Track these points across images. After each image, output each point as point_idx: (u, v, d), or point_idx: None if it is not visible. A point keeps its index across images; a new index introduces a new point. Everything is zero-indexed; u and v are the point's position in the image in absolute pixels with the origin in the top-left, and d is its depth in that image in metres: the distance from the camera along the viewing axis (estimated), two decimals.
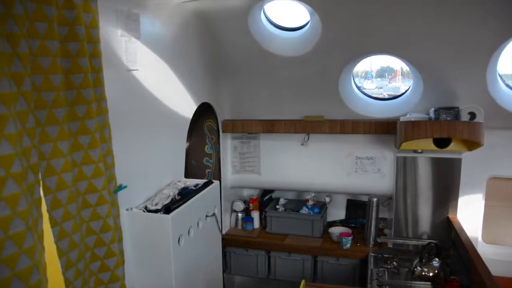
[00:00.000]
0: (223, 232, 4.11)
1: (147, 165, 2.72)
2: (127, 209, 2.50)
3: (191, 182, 3.11)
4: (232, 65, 3.76)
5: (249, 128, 4.05)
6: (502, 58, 3.41)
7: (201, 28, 3.39)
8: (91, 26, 1.91)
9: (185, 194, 2.85)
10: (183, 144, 3.32)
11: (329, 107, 3.81)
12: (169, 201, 2.68)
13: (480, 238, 3.93)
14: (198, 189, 2.98)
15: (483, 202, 3.87)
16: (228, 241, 4.07)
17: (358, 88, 4.03)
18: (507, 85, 3.69)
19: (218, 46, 3.60)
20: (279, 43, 3.60)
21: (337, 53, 3.44)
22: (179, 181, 3.04)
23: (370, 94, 4.11)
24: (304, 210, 4.08)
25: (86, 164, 1.94)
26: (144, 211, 2.54)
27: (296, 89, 3.78)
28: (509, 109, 3.50)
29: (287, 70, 3.64)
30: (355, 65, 3.74)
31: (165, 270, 2.56)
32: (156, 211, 2.55)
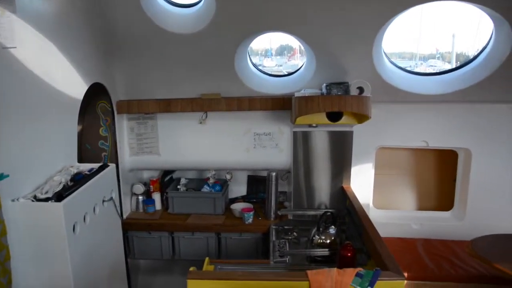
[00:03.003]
0: (124, 216, 3.99)
1: (33, 151, 2.51)
2: (12, 200, 2.31)
3: (85, 167, 2.96)
4: (124, 43, 3.59)
5: (145, 108, 3.93)
6: (386, 37, 3.63)
7: (89, 3, 3.19)
8: None
9: (79, 180, 2.71)
10: (75, 127, 3.11)
11: (226, 84, 3.81)
12: (60, 188, 2.53)
13: (371, 204, 4.22)
14: (92, 174, 2.85)
15: (373, 171, 4.15)
16: (130, 225, 3.96)
17: (254, 65, 4.07)
18: (392, 62, 3.95)
19: (109, 23, 3.42)
20: (173, 20, 3.50)
21: (231, 30, 3.43)
22: (72, 167, 2.88)
23: (270, 72, 4.17)
24: (206, 189, 4.08)
25: None
26: (33, 201, 2.37)
27: (192, 67, 3.73)
28: (393, 84, 3.76)
29: (182, 48, 3.57)
30: (250, 42, 3.76)
31: (60, 261, 2.43)
32: (46, 199, 2.40)
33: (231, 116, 3.94)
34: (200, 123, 3.99)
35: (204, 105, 3.88)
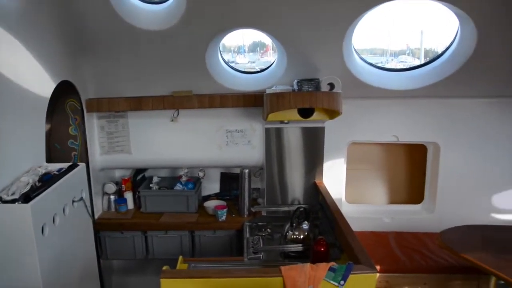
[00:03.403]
0: (95, 216, 3.92)
1: None
2: None
3: (54, 167, 2.90)
4: (94, 40, 3.53)
5: (116, 107, 3.87)
6: (357, 33, 3.67)
7: None
8: None
9: (47, 180, 2.65)
10: (42, 126, 3.03)
11: (197, 81, 3.79)
12: (28, 189, 2.47)
13: (344, 199, 4.27)
14: (61, 174, 2.79)
15: (345, 166, 4.20)
16: (102, 225, 3.91)
17: (226, 62, 4.05)
18: (362, 58, 4.00)
19: (77, 19, 3.35)
20: (142, 16, 3.45)
21: (202, 27, 3.40)
22: (40, 167, 2.81)
23: (243, 69, 4.17)
24: (178, 187, 4.06)
25: None
26: None
27: (162, 64, 3.68)
28: (364, 80, 3.80)
29: (152, 45, 3.52)
30: (222, 39, 3.75)
31: (29, 264, 2.37)
32: (13, 201, 2.33)
33: (203, 113, 3.92)
34: (172, 120, 3.96)
35: (176, 102, 3.85)
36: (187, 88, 3.84)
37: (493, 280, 2.93)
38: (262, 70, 4.14)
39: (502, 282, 2.81)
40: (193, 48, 3.55)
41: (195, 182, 4.14)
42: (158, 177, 4.18)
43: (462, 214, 4.05)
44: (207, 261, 3.18)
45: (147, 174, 4.43)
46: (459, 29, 3.63)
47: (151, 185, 4.10)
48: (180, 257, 2.95)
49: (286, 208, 3.88)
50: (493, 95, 4.00)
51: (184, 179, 4.10)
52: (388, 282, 3.59)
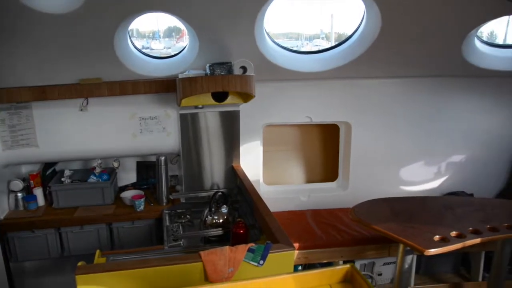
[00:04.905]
0: (1, 217, 3.67)
1: None
2: None
3: None
4: None
5: (16, 97, 3.58)
6: (273, 18, 3.69)
7: None
8: None
9: None
10: None
11: (107, 68, 3.62)
12: None
13: (261, 181, 4.33)
14: None
15: (261, 148, 4.26)
16: (9, 226, 3.65)
17: (136, 47, 3.91)
18: (274, 41, 4.04)
19: None
20: None
21: (109, 10, 3.22)
22: None
23: (158, 55, 4.06)
24: (92, 179, 3.89)
25: None
26: None
27: (67, 51, 3.46)
28: (276, 63, 3.85)
29: (55, 29, 3.28)
30: (130, 23, 3.59)
31: None
32: None
33: (115, 101, 3.77)
34: (81, 110, 3.76)
35: (84, 91, 3.66)
36: (96, 75, 3.66)
37: (401, 247, 3.13)
38: (174, 55, 4.05)
39: (409, 248, 3.01)
40: (100, 33, 3.37)
41: (110, 173, 4.00)
42: (70, 170, 3.98)
43: (373, 188, 4.29)
44: (126, 252, 3.07)
45: (57, 167, 4.20)
46: (365, 13, 3.77)
47: (62, 179, 3.89)
48: (97, 251, 2.84)
49: (205, 194, 3.87)
50: (398, 75, 4.24)
51: (98, 170, 3.94)
52: (307, 258, 3.72)
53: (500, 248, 3.53)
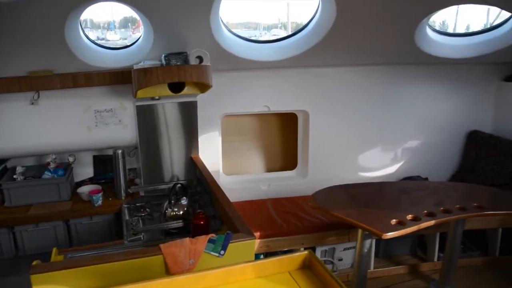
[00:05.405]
0: None
1: None
2: None
3: None
4: None
5: None
6: (232, 7, 3.66)
7: None
8: None
9: None
10: None
11: (58, 60, 3.50)
12: None
13: (221, 171, 4.33)
14: None
15: (220, 138, 4.25)
16: None
17: (88, 38, 3.80)
18: (230, 31, 4.01)
19: None
20: None
21: None
22: None
23: (114, 46, 3.96)
24: (47, 175, 3.77)
25: None
26: None
27: (14, 42, 3.30)
28: (233, 52, 3.84)
29: (1, 18, 3.15)
30: (81, 13, 3.49)
31: None
32: None
33: (68, 93, 3.65)
34: (32, 103, 3.62)
35: (34, 83, 3.52)
36: (47, 67, 3.54)
37: (360, 232, 3.19)
38: (128, 46, 3.96)
39: (367, 232, 3.08)
40: (49, 23, 3.24)
41: (66, 168, 3.89)
42: (23, 166, 3.83)
43: (332, 175, 4.36)
44: (85, 249, 3.00)
45: (9, 164, 4.03)
46: (320, 2, 3.80)
47: (14, 176, 3.74)
48: (54, 249, 2.76)
49: (164, 186, 3.82)
50: (353, 63, 4.31)
51: (52, 166, 3.81)
52: (268, 246, 3.75)
53: (453, 229, 3.67)
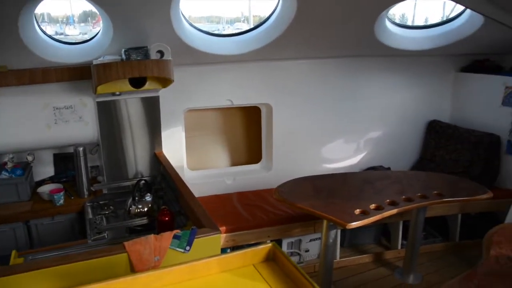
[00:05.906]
0: None
1: None
2: None
3: None
4: None
5: None
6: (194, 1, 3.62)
7: None
8: None
9: None
10: None
11: (12, 55, 3.38)
12: None
13: (185, 166, 4.30)
14: None
15: (183, 133, 4.21)
16: None
17: (45, 32, 3.69)
18: (191, 25, 3.97)
19: None
20: None
21: None
22: None
23: (74, 41, 3.86)
24: (4, 175, 3.64)
25: None
26: None
27: None
28: (195, 46, 3.80)
29: None
30: (35, 6, 3.37)
31: None
32: None
33: (24, 90, 3.52)
34: None
35: None
36: (0, 63, 3.41)
37: (325, 222, 3.24)
38: (87, 40, 3.87)
39: (332, 223, 3.12)
40: (2, 16, 3.12)
41: (24, 167, 3.77)
42: None
43: (296, 168, 4.40)
44: (47, 250, 2.93)
45: None
46: None
47: None
48: (13, 252, 2.68)
49: (128, 183, 3.77)
50: (315, 56, 4.35)
51: (10, 165, 3.69)
52: (234, 240, 3.75)
53: (415, 217, 3.78)
